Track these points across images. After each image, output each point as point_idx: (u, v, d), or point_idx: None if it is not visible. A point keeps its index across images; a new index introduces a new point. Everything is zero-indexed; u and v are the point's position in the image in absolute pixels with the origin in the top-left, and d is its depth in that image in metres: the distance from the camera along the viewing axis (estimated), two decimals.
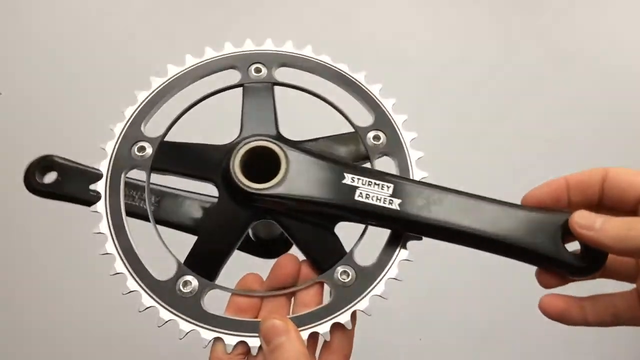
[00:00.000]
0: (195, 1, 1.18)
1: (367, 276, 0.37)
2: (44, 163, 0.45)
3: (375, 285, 0.37)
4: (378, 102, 0.43)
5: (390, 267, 0.38)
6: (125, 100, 0.42)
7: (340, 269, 0.37)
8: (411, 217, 0.36)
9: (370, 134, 0.42)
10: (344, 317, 0.36)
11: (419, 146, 0.42)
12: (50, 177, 0.45)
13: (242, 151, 0.38)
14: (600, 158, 1.09)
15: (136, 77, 0.44)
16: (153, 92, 0.42)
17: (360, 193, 0.37)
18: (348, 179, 0.37)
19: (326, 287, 0.38)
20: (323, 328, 0.36)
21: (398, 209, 0.36)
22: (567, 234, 0.36)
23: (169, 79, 0.42)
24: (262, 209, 0.38)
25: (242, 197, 0.37)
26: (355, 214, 0.37)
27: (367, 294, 0.37)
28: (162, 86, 0.42)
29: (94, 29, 1.13)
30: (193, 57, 0.43)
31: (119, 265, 0.36)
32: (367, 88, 0.44)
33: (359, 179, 0.37)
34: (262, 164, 0.38)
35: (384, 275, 0.38)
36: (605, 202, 0.37)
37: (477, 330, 1.03)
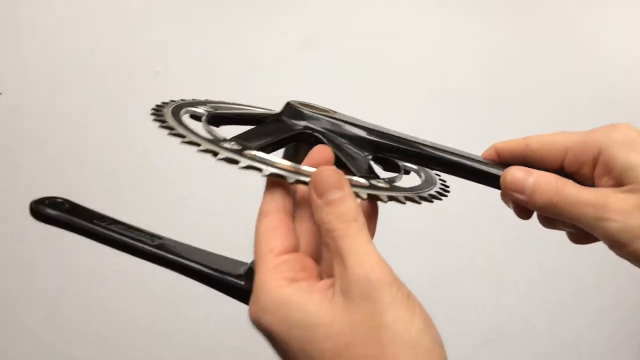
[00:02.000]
0: None
1: (398, 188, 0.38)
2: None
3: (408, 192, 0.38)
4: None
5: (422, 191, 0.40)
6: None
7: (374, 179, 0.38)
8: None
9: None
10: (381, 194, 0.35)
11: None
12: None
13: (299, 101, 0.45)
14: None
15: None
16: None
17: None
18: None
19: None
20: (362, 194, 0.34)
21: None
22: None
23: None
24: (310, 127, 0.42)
25: (300, 117, 0.42)
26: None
27: (401, 193, 0.37)
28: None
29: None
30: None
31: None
32: None
33: None
34: None
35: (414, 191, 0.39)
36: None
37: (477, 331, 1.05)
